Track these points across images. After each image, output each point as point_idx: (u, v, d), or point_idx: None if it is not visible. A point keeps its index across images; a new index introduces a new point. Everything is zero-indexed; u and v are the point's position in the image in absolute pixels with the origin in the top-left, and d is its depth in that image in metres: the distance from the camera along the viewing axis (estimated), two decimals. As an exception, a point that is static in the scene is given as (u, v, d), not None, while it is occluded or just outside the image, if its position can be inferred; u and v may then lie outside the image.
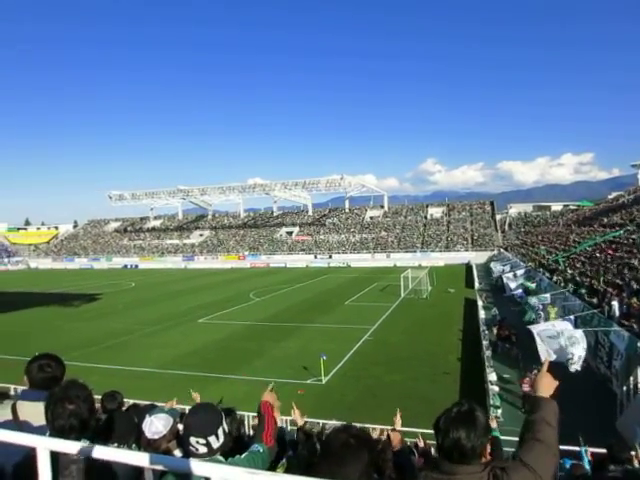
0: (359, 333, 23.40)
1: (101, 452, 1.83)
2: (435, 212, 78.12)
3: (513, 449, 6.48)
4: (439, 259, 61.66)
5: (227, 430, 2.45)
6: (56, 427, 2.33)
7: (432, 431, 2.06)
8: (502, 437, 5.93)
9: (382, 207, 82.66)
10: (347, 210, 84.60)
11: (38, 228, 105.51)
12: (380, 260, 65.71)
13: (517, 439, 2.08)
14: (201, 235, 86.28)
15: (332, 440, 1.97)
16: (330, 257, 69.04)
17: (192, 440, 2.33)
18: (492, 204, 77.26)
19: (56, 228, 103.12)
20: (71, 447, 1.91)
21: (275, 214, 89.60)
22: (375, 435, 5.29)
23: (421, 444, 6.07)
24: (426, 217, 77.14)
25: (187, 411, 2.95)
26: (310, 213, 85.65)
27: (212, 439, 2.33)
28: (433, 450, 5.82)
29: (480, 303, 27.26)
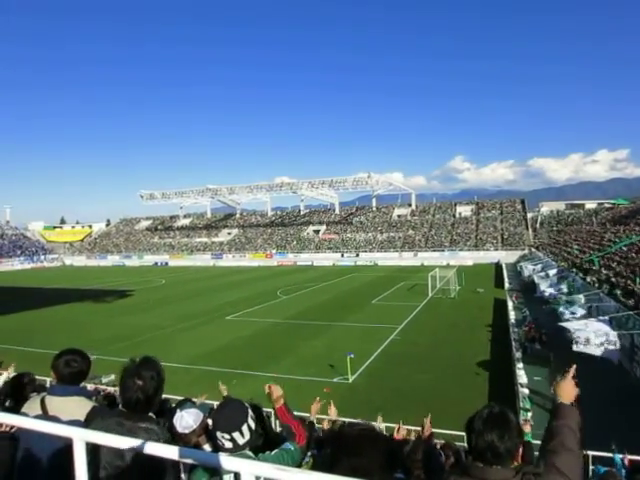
0: (386, 332, 23.28)
1: (133, 444, 1.87)
2: (464, 210, 76.97)
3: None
4: (468, 258, 60.72)
5: (253, 427, 2.47)
6: (124, 399, 2.55)
7: (461, 432, 2.05)
8: (533, 441, 5.82)
9: (410, 205, 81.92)
10: (374, 208, 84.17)
11: (73, 227, 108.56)
12: (407, 259, 65.13)
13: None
14: (229, 233, 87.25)
15: (347, 432, 1.99)
16: (357, 256, 68.85)
17: (218, 435, 2.39)
18: (523, 202, 75.58)
19: (90, 227, 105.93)
20: (105, 439, 1.97)
21: (302, 213, 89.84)
22: (401, 436, 5.26)
23: (449, 445, 6.01)
24: (454, 215, 76.09)
25: (215, 406, 3.01)
26: (337, 211, 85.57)
27: (236, 435, 2.36)
28: (462, 452, 5.75)
29: (510, 303, 26.80)
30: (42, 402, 2.78)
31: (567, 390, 2.19)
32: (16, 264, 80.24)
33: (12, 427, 2.88)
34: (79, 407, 2.68)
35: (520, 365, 15.36)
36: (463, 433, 2.16)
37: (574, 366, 2.45)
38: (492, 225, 70.27)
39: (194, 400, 5.79)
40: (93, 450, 2.24)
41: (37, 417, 2.67)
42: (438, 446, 5.55)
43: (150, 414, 2.59)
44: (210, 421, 2.47)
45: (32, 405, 2.80)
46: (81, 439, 1.91)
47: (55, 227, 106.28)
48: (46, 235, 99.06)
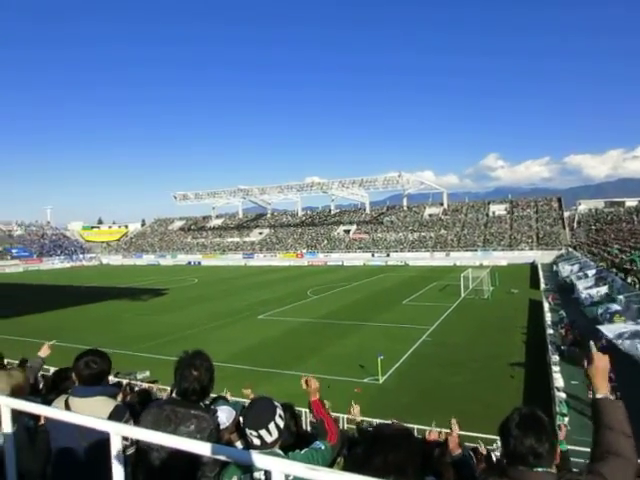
0: (417, 333, 23.07)
1: (168, 440, 1.93)
2: (497, 209, 75.40)
3: (582, 460, 6.18)
4: (501, 258, 59.46)
5: (282, 425, 2.48)
6: (181, 389, 2.71)
7: (493, 436, 2.02)
8: (570, 447, 5.66)
9: (441, 204, 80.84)
10: (405, 208, 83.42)
11: (110, 227, 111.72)
12: (439, 259, 64.30)
13: (586, 449, 2.00)
14: (260, 233, 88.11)
15: (382, 430, 1.99)
16: (388, 255, 68.42)
17: (247, 432, 2.42)
18: (559, 200, 73.50)
19: (126, 227, 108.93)
20: (140, 434, 2.03)
21: (332, 212, 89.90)
22: (432, 438, 5.20)
23: (482, 449, 5.92)
24: (488, 214, 74.65)
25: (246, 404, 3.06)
26: (367, 211, 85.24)
27: (263, 432, 2.38)
28: (494, 456, 5.66)
29: (546, 305, 26.14)
30: (66, 403, 2.86)
31: (600, 371, 1.98)
32: (56, 263, 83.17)
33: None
34: (102, 406, 2.77)
35: (556, 368, 14.98)
36: (497, 437, 2.13)
37: (591, 342, 2.35)
38: (527, 224, 68.63)
39: (227, 397, 5.88)
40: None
41: (60, 426, 2.80)
42: (469, 450, 5.47)
43: (200, 403, 2.72)
44: (241, 419, 2.53)
45: (57, 405, 2.89)
46: (117, 433, 1.98)
47: (93, 227, 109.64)
48: (84, 235, 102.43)
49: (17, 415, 2.69)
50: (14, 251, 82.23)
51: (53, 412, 2.47)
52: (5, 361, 4.91)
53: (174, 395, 2.75)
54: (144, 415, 2.68)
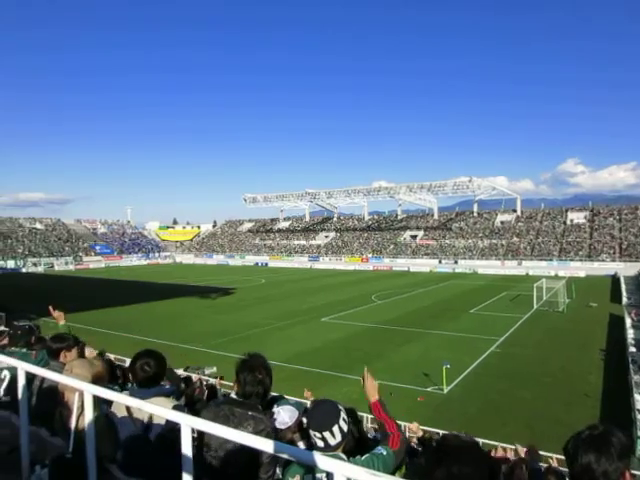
0: (485, 344, 22.25)
1: (234, 435, 2.00)
2: (576, 217, 71.15)
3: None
4: (579, 269, 56.05)
5: (345, 429, 2.47)
6: (246, 392, 2.81)
7: (557, 455, 1.93)
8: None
9: (514, 211, 77.52)
10: (475, 214, 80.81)
11: (184, 227, 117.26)
12: (510, 268, 61.65)
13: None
14: (326, 236, 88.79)
15: (449, 441, 1.93)
16: (456, 262, 66.59)
17: (311, 433, 2.45)
18: (647, 209, 68.27)
19: (198, 227, 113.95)
20: (208, 427, 2.12)
21: (399, 217, 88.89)
22: (498, 456, 5.01)
23: (554, 464, 5.62)
24: (565, 222, 70.65)
25: (308, 405, 3.11)
26: (435, 217, 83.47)
27: (327, 435, 2.39)
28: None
29: (628, 321, 24.36)
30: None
31: None
32: (134, 260, 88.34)
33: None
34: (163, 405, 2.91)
35: (639, 389, 13.88)
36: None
37: None
38: (609, 234, 64.24)
39: (287, 397, 5.98)
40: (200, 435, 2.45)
41: (123, 418, 2.97)
42: (540, 469, 5.21)
43: (258, 405, 2.80)
44: (305, 419, 2.57)
45: (118, 406, 3.07)
46: (187, 424, 2.09)
47: (168, 227, 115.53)
48: (160, 234, 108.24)
49: (98, 402, 2.90)
50: (97, 248, 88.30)
51: (130, 400, 2.64)
52: (87, 351, 5.31)
53: (233, 395, 2.82)
54: (203, 414, 2.73)
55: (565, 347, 21.82)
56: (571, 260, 60.08)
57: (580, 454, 1.76)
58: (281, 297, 39.80)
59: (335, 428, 2.42)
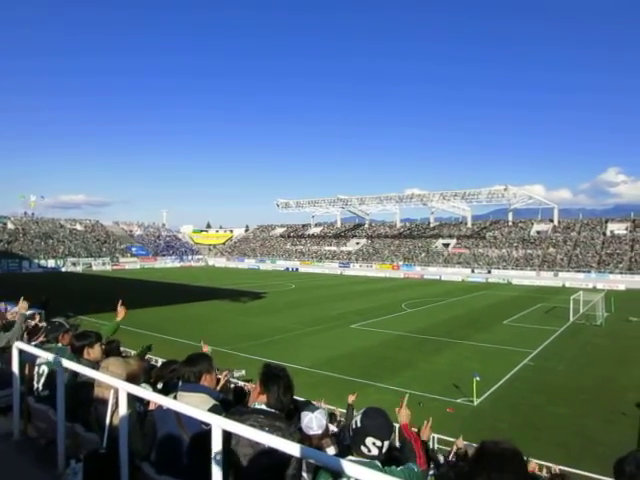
0: (518, 356, 21.71)
1: (266, 438, 2.03)
2: (616, 228, 68.70)
3: None
4: (619, 282, 54.09)
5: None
6: (271, 402, 2.82)
7: (597, 475, 1.88)
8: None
9: (551, 221, 75.51)
10: (510, 223, 79.09)
11: (217, 231, 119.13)
12: (546, 279, 60.07)
13: None
14: (357, 243, 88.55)
15: (491, 448, 1.90)
16: (489, 272, 65.25)
17: (368, 441, 2.39)
18: (694, 221, 65.35)
19: (231, 231, 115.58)
20: (239, 429, 2.16)
21: (432, 225, 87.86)
22: (530, 469, 4.90)
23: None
24: (605, 233, 68.31)
25: (346, 410, 3.14)
26: (469, 225, 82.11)
27: (386, 443, 2.41)
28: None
29: (672, 337, 23.30)
30: (175, 398, 3.14)
31: None
32: (168, 262, 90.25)
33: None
34: (202, 402, 2.98)
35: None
36: (606, 478, 1.96)
37: None
38: (652, 246, 61.73)
39: (314, 403, 6.00)
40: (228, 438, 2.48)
41: (167, 410, 3.07)
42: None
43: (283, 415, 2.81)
44: (357, 424, 2.50)
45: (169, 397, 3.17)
46: (219, 426, 2.13)
47: (202, 231, 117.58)
48: (194, 237, 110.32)
49: (132, 400, 2.99)
50: (133, 249, 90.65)
51: (163, 399, 2.71)
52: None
53: (257, 405, 2.83)
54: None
55: (603, 362, 21.07)
56: (610, 272, 58.03)
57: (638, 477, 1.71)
58: (311, 302, 39.87)
59: (391, 437, 2.47)
